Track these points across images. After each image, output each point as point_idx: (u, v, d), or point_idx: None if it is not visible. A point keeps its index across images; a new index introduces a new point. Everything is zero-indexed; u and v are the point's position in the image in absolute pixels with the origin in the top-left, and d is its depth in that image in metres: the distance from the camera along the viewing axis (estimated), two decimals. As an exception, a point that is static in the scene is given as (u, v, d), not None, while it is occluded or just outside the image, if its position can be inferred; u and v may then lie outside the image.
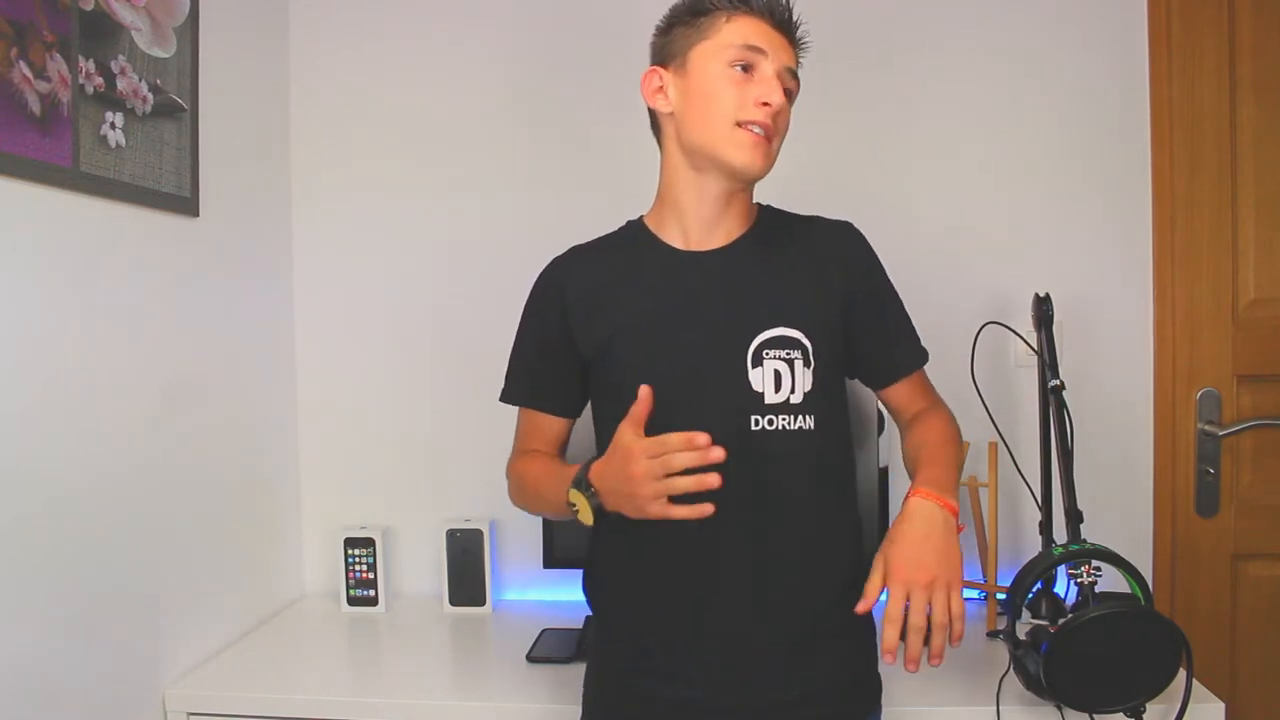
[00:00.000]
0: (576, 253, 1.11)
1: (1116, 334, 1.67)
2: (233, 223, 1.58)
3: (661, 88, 1.01)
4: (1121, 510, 1.65)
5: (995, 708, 1.20)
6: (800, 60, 1.03)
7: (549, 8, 1.76)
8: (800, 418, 0.98)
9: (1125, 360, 1.68)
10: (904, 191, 1.70)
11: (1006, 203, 1.69)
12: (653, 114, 1.05)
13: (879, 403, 1.16)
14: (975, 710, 1.23)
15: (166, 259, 1.40)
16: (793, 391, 0.97)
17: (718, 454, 0.85)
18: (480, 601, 1.71)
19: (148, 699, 1.33)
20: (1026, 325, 1.49)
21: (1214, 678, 1.43)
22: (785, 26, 0.99)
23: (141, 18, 1.33)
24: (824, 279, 1.03)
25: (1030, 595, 1.31)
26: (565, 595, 1.71)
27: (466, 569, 1.71)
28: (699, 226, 1.03)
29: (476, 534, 1.70)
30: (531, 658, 1.44)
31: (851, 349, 1.05)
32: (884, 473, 1.56)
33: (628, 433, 0.90)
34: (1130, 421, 1.68)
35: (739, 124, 0.96)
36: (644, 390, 0.91)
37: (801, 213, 1.10)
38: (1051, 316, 1.43)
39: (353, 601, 1.72)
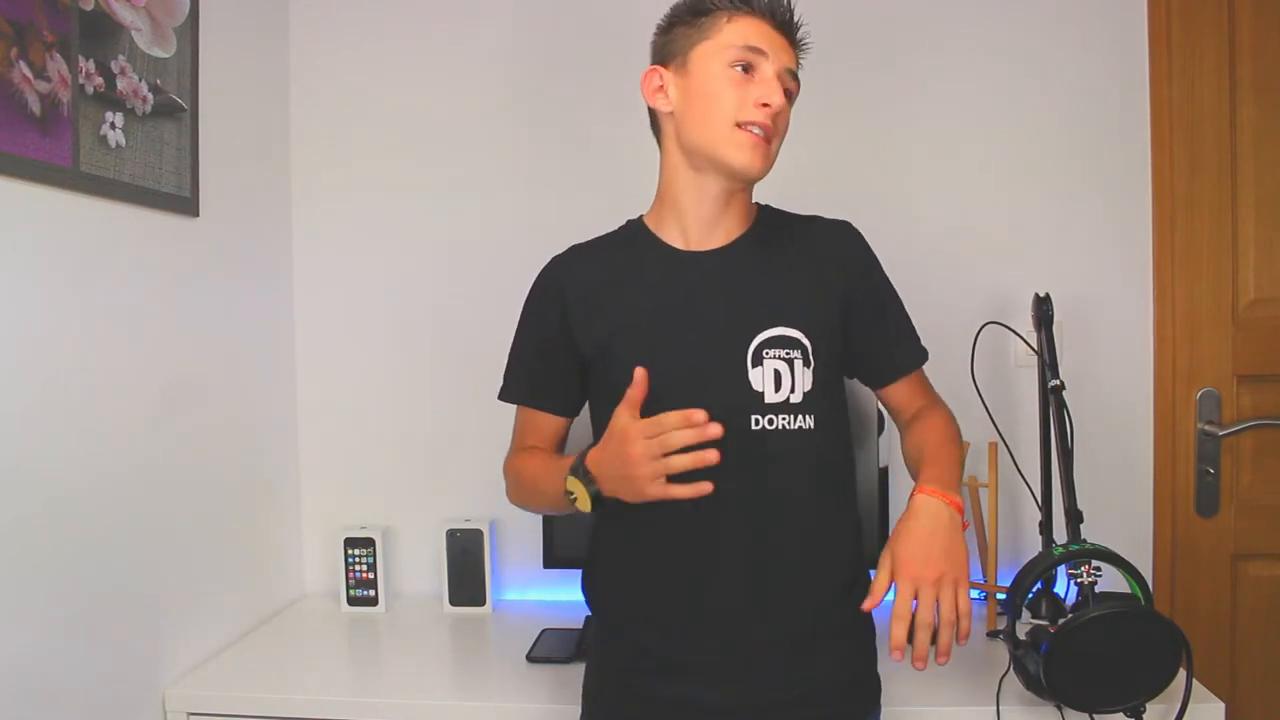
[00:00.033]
0: (576, 252, 1.11)
1: (1116, 334, 1.67)
2: (233, 223, 1.58)
3: (662, 87, 1.01)
4: (1121, 510, 1.65)
5: (995, 708, 1.20)
6: (800, 61, 1.03)
7: (549, 8, 1.76)
8: (800, 417, 0.98)
9: (1125, 360, 1.68)
10: (904, 191, 1.70)
11: (1006, 203, 1.69)
12: (652, 113, 1.05)
13: (879, 402, 1.16)
14: (975, 710, 1.23)
15: (166, 259, 1.40)
16: (792, 391, 0.98)
17: (715, 430, 0.85)
18: (480, 601, 1.71)
19: (148, 699, 1.33)
20: (1026, 325, 1.49)
21: (1214, 678, 1.43)
22: (786, 27, 0.99)
23: (141, 18, 1.33)
24: (823, 278, 1.03)
25: (1030, 595, 1.31)
26: (565, 595, 1.71)
27: (466, 569, 1.71)
28: (698, 226, 1.03)
29: (476, 534, 1.70)
30: (531, 658, 1.44)
31: (851, 348, 1.05)
32: (884, 473, 1.56)
33: (624, 415, 0.90)
34: (1130, 421, 1.68)
35: (739, 125, 0.96)
36: (639, 372, 0.91)
37: (801, 213, 1.10)
38: (1051, 316, 1.43)
39: (353, 601, 1.72)
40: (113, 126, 1.26)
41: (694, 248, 1.04)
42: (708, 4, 0.98)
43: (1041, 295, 1.45)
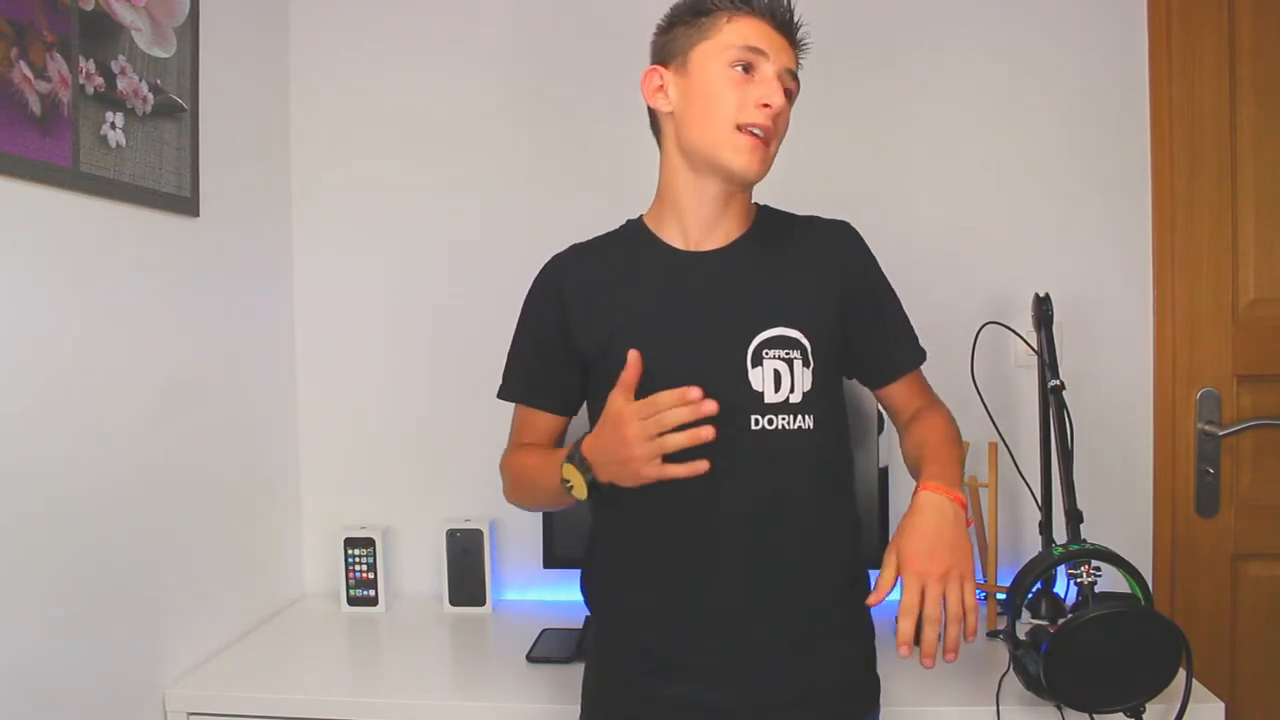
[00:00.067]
0: (576, 251, 1.11)
1: (1116, 334, 1.67)
2: (233, 223, 1.58)
3: (662, 87, 1.01)
4: (1121, 510, 1.65)
5: (995, 708, 1.20)
6: (800, 61, 1.03)
7: (549, 8, 1.76)
8: (800, 417, 0.98)
9: (1125, 360, 1.68)
10: (904, 191, 1.70)
11: (1006, 203, 1.69)
12: (652, 113, 1.05)
13: (877, 403, 1.16)
14: (975, 710, 1.23)
15: (166, 259, 1.40)
16: (792, 391, 0.98)
17: (710, 406, 0.85)
18: (480, 601, 1.71)
19: (148, 699, 1.33)
20: (1026, 325, 1.49)
21: (1214, 678, 1.43)
22: (786, 28, 0.99)
23: (141, 18, 1.33)
24: (823, 279, 1.03)
25: (1030, 595, 1.31)
26: (565, 595, 1.71)
27: (466, 569, 1.70)
28: (698, 226, 1.03)
29: (476, 534, 1.70)
30: (531, 658, 1.44)
31: (849, 348, 1.05)
32: (884, 473, 1.56)
33: (618, 398, 0.90)
34: (1130, 421, 1.68)
35: (739, 127, 0.96)
36: (632, 354, 0.91)
37: (801, 213, 1.10)
38: (1051, 316, 1.43)
39: (353, 601, 1.72)
40: (113, 126, 1.26)
41: (694, 248, 1.04)
42: (708, 4, 0.98)
43: (1041, 295, 1.45)
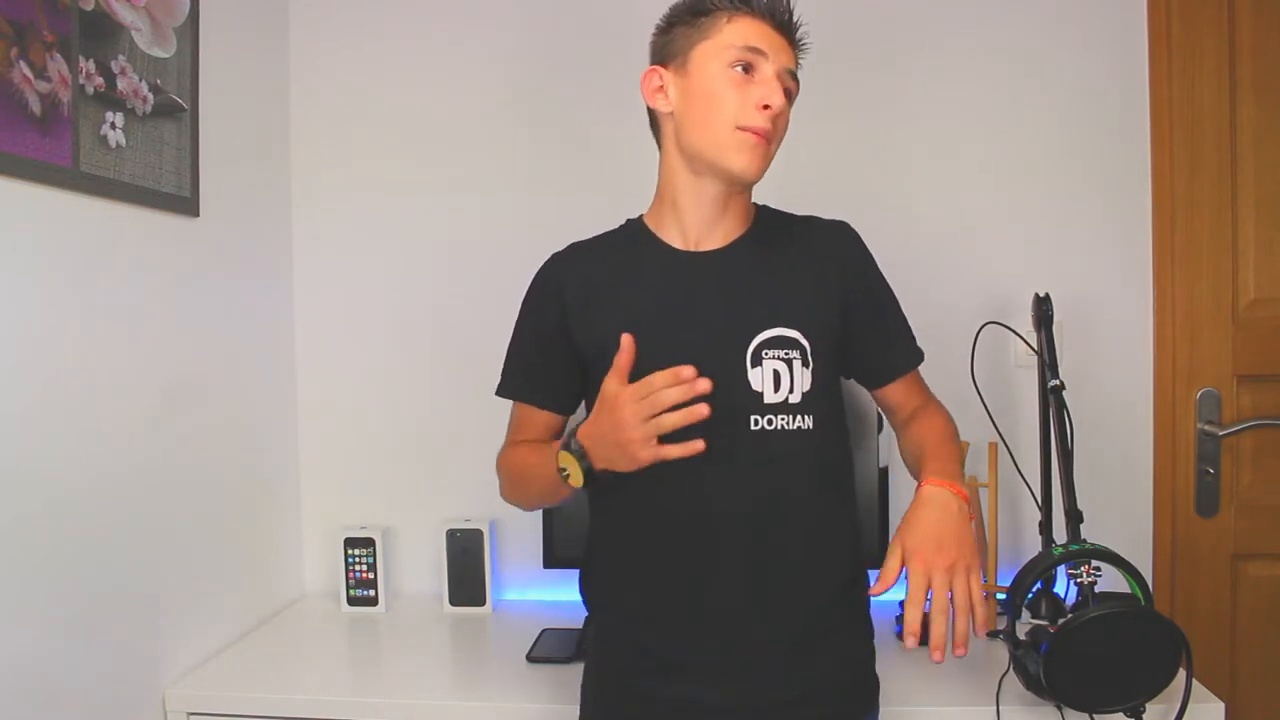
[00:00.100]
0: (576, 249, 1.11)
1: (1116, 334, 1.67)
2: (233, 223, 1.58)
3: (661, 87, 1.01)
4: (1121, 510, 1.65)
5: (995, 708, 1.20)
6: (800, 61, 1.03)
7: (549, 8, 1.76)
8: (799, 417, 0.98)
9: (1125, 360, 1.68)
10: (904, 191, 1.70)
11: (1006, 203, 1.69)
12: (652, 113, 1.05)
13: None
14: (975, 710, 1.23)
15: (166, 259, 1.40)
16: (791, 391, 0.98)
17: (704, 385, 0.86)
18: (480, 601, 1.71)
19: (148, 699, 1.33)
20: (1026, 325, 1.49)
21: (1214, 678, 1.43)
22: (786, 28, 0.99)
23: (141, 18, 1.33)
24: (822, 279, 1.03)
25: (1030, 595, 1.31)
26: (565, 595, 1.71)
27: (466, 569, 1.71)
28: (698, 227, 1.03)
29: (476, 534, 1.70)
30: (531, 658, 1.44)
31: (848, 348, 1.06)
32: (884, 473, 1.56)
33: (613, 382, 0.90)
34: (1130, 421, 1.68)
35: (739, 128, 0.96)
36: (626, 339, 0.91)
37: (800, 213, 1.10)
38: (1051, 316, 1.43)
39: (353, 601, 1.72)
40: (113, 126, 1.26)
41: (693, 248, 1.04)
42: (707, 4, 0.98)
43: (1041, 295, 1.45)
